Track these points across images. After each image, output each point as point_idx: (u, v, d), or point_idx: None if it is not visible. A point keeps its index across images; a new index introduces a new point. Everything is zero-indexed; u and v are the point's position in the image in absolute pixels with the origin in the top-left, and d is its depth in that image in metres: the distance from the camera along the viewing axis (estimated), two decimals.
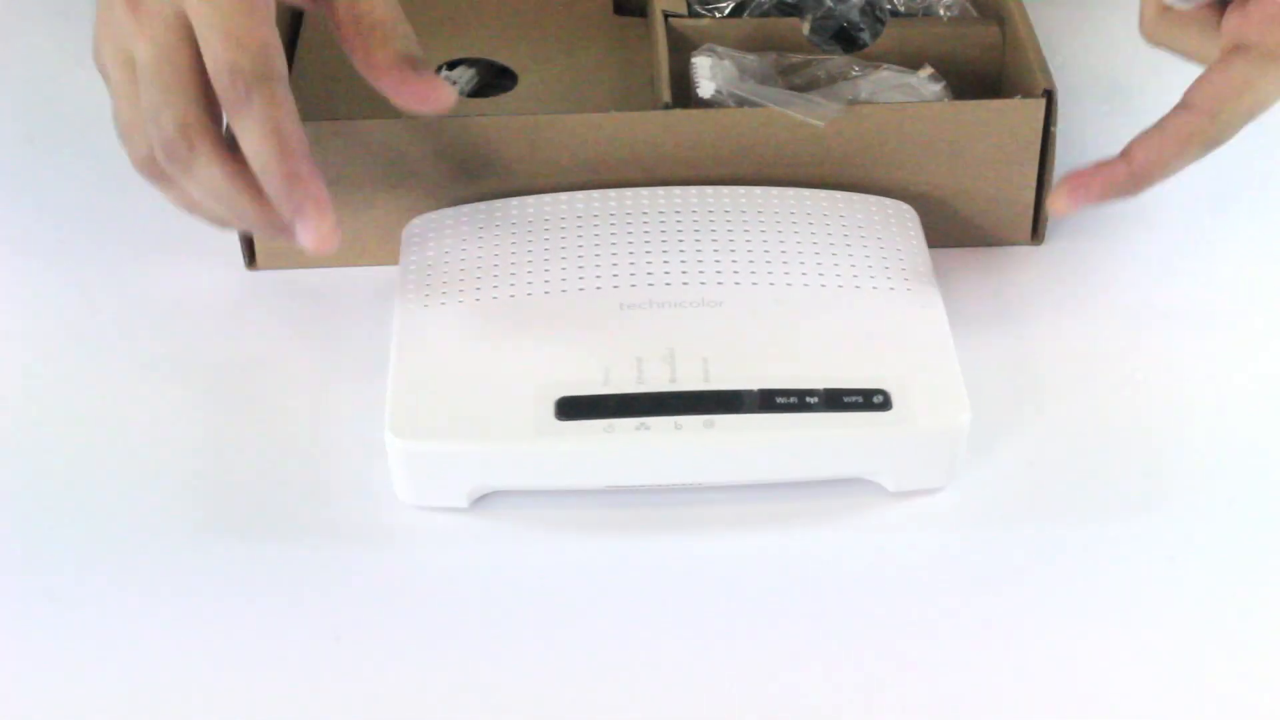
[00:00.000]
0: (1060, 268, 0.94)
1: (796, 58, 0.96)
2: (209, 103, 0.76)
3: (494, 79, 1.02)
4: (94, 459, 0.84)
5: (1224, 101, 0.80)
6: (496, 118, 0.91)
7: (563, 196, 0.90)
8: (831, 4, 1.00)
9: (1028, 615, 0.77)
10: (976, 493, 0.81)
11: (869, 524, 0.81)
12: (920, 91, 0.93)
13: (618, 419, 0.78)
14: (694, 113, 0.91)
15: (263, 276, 0.94)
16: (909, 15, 1.00)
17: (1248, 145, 1.02)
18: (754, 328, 0.82)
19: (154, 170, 0.78)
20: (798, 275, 0.85)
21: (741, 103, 0.91)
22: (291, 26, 1.03)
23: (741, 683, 0.74)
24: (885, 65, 0.95)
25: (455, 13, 1.04)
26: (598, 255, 0.86)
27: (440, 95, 0.78)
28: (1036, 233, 0.95)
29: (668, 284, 0.84)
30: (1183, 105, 0.81)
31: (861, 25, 1.00)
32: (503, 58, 1.01)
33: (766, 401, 0.79)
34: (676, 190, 0.90)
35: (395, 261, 0.88)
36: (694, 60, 0.94)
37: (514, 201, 0.90)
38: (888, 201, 0.90)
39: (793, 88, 0.94)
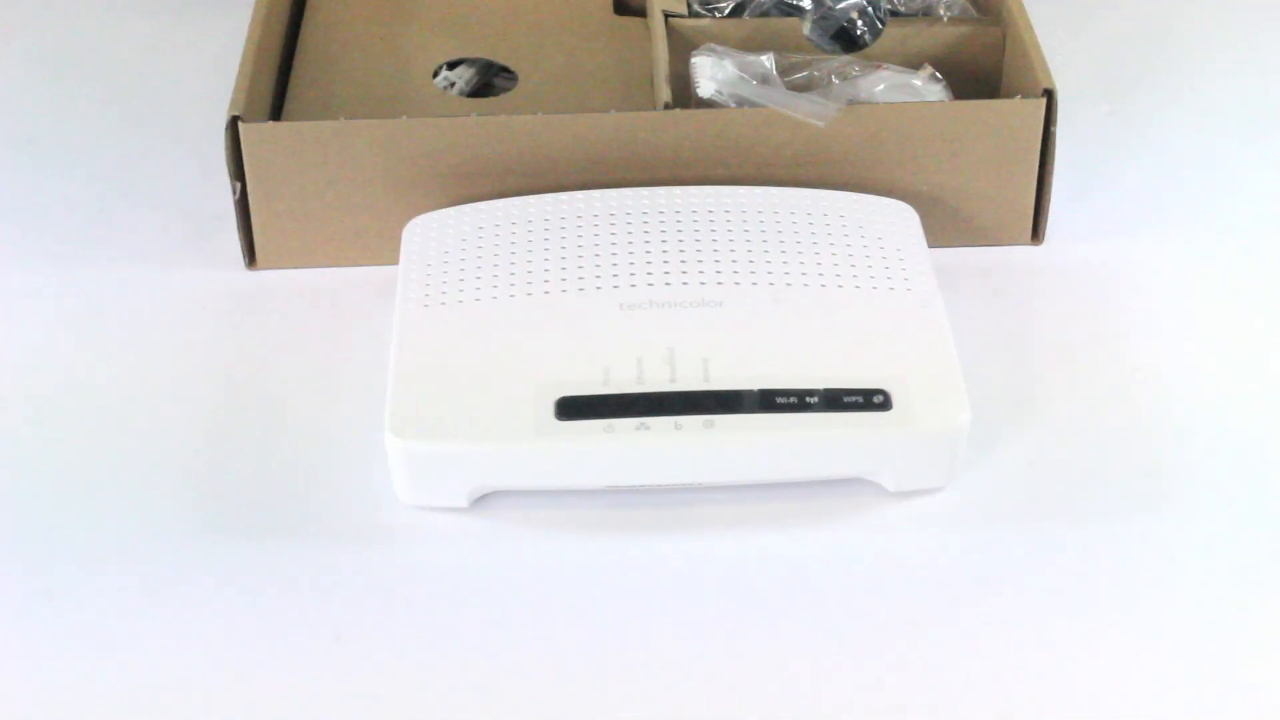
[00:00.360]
0: (1060, 268, 0.94)
1: (796, 58, 0.96)
2: None
3: (494, 79, 1.02)
4: (94, 459, 0.84)
5: None
6: (496, 118, 0.91)
7: (563, 196, 0.90)
8: (831, 4, 1.00)
9: (1028, 615, 0.77)
10: (976, 493, 0.81)
11: (869, 524, 0.81)
12: (920, 91, 0.93)
13: (618, 419, 0.78)
14: (694, 113, 0.91)
15: (263, 276, 0.94)
16: (909, 15, 1.00)
17: (1248, 146, 1.02)
18: (754, 328, 0.82)
19: None
20: (798, 275, 0.85)
21: (741, 103, 0.91)
22: (292, 26, 1.03)
23: (741, 682, 0.74)
24: (885, 65, 0.95)
25: (455, 13, 1.04)
26: (598, 255, 0.86)
27: None
28: (1036, 233, 0.95)
29: (668, 284, 0.84)
30: None
31: (861, 25, 1.00)
32: (503, 58, 1.01)
33: (766, 401, 0.79)
34: (676, 190, 0.90)
35: (395, 261, 0.88)
36: (694, 60, 0.94)
37: (514, 201, 0.90)
38: (888, 201, 0.90)
39: (793, 88, 0.94)
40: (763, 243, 0.86)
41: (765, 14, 1.01)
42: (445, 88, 1.00)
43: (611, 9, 1.04)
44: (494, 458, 0.79)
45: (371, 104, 0.97)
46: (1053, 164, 0.92)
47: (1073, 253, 0.95)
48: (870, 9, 1.00)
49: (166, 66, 1.09)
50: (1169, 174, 1.00)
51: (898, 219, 0.89)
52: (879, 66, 0.95)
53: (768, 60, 0.95)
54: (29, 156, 1.02)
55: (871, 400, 0.79)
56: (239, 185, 0.91)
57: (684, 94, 0.94)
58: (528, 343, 0.82)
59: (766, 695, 0.74)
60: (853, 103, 0.91)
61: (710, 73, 0.93)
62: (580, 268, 0.85)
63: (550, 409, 0.79)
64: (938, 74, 0.94)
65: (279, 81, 0.98)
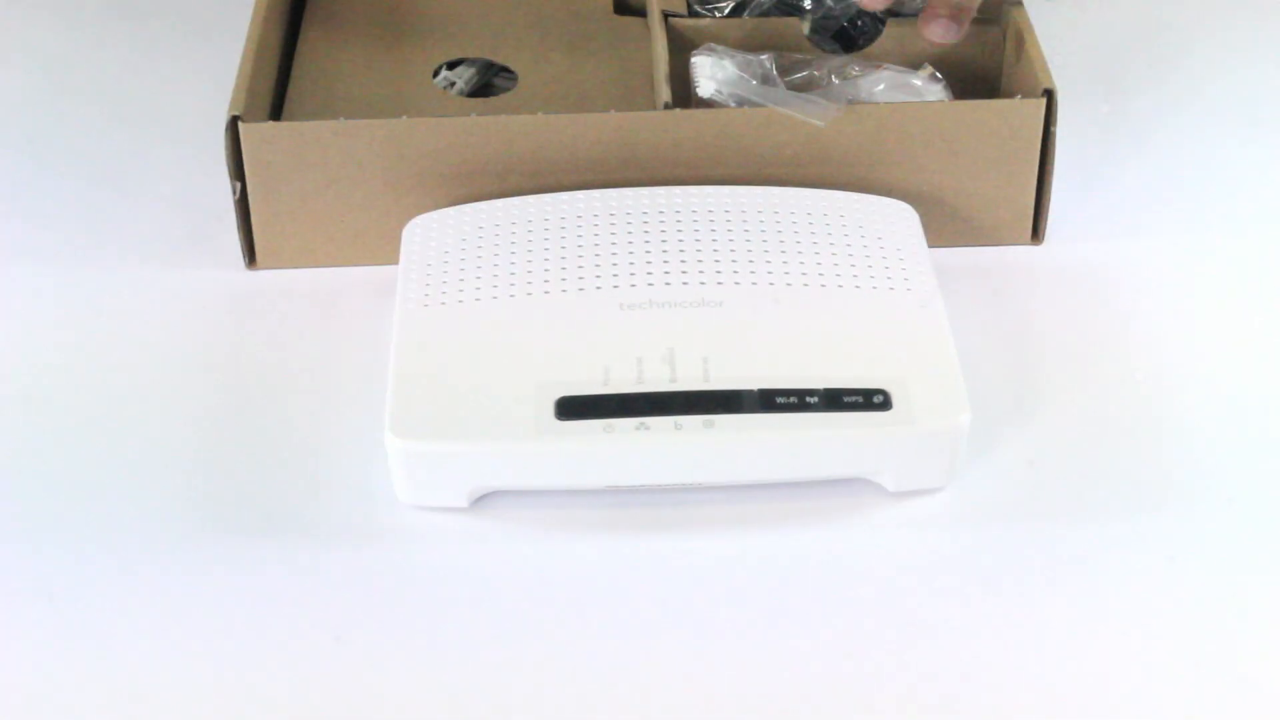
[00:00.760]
0: (1060, 268, 0.94)
1: (796, 57, 0.96)
2: None
3: (494, 79, 1.02)
4: (94, 459, 0.84)
5: None
6: (496, 118, 0.91)
7: (563, 196, 0.90)
8: (831, 4, 1.00)
9: (1028, 615, 0.77)
10: (976, 493, 0.81)
11: (869, 524, 0.81)
12: (920, 91, 0.93)
13: (618, 419, 0.78)
14: (694, 113, 0.91)
15: (263, 276, 0.94)
16: (909, 15, 1.00)
17: (1248, 146, 1.02)
18: (754, 328, 0.82)
19: None
20: (798, 275, 0.85)
21: (741, 102, 0.91)
22: (292, 27, 1.03)
23: (741, 682, 0.74)
24: (885, 65, 0.95)
25: (455, 13, 1.04)
26: (598, 255, 0.86)
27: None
28: (1036, 233, 0.95)
29: (668, 284, 0.84)
30: None
31: (861, 25, 1.00)
32: (503, 58, 1.01)
33: (766, 401, 0.79)
34: (676, 190, 0.90)
35: (395, 261, 0.88)
36: (694, 59, 0.94)
37: (514, 201, 0.90)
38: (888, 201, 0.90)
39: (793, 88, 0.94)
40: (763, 243, 0.86)
41: (765, 14, 1.01)
42: (445, 88, 1.00)
43: (611, 9, 1.04)
44: (494, 458, 0.79)
45: (371, 104, 0.97)
46: (1053, 164, 0.92)
47: (1073, 253, 0.95)
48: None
49: (166, 66, 1.09)
50: (1169, 174, 1.00)
51: (898, 219, 0.89)
52: (879, 66, 0.95)
53: (768, 60, 0.95)
54: (29, 156, 1.02)
55: (871, 400, 0.79)
56: (239, 185, 0.91)
57: (684, 94, 0.94)
58: (528, 343, 0.82)
59: (766, 695, 0.74)
60: (852, 102, 0.91)
61: (710, 72, 0.93)
62: (580, 268, 0.85)
63: (550, 409, 0.79)
64: (938, 74, 0.94)
65: (279, 81, 0.98)
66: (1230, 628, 0.76)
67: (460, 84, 1.00)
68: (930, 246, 0.88)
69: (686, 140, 0.91)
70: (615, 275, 0.85)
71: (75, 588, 0.78)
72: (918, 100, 0.92)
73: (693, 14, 0.99)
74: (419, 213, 0.90)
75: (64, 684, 0.74)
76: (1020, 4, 0.96)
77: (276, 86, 0.97)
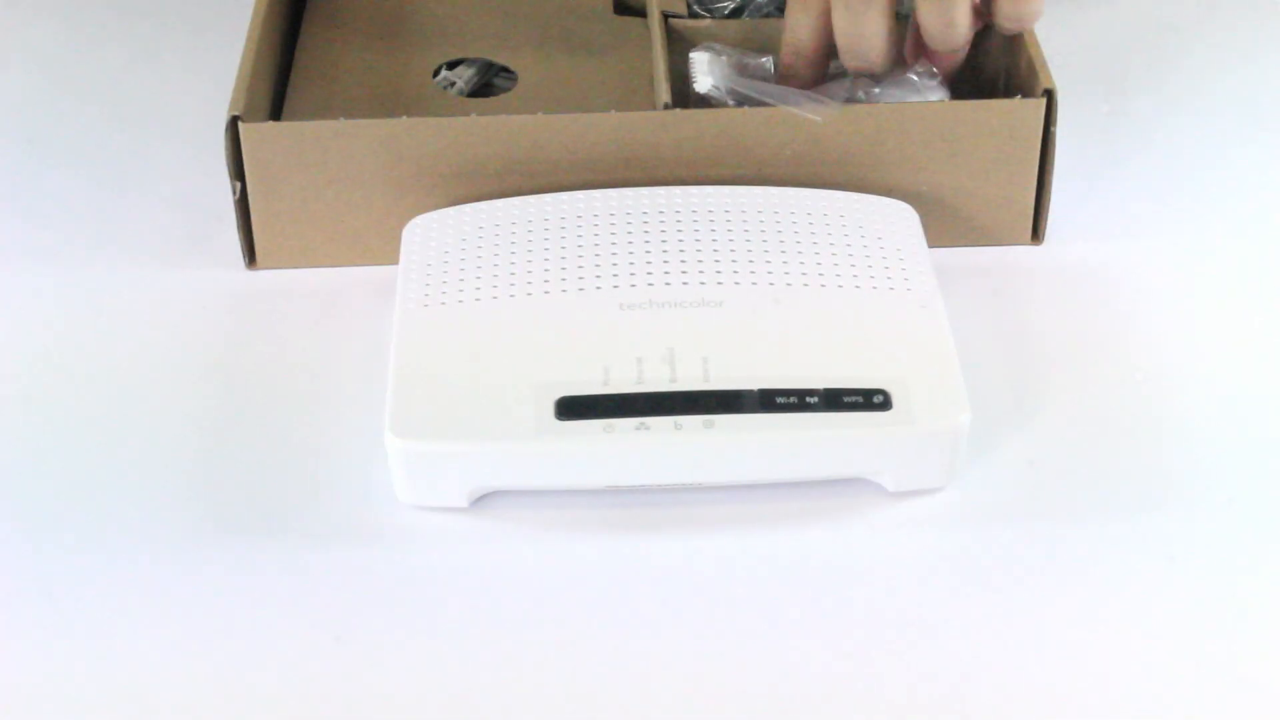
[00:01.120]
0: (1060, 268, 0.94)
1: None
2: None
3: (494, 79, 1.02)
4: (94, 459, 0.84)
5: None
6: (496, 118, 0.91)
7: (563, 196, 0.90)
8: None
9: (1028, 615, 0.77)
10: (976, 493, 0.81)
11: (869, 524, 0.81)
12: (918, 87, 0.93)
13: (617, 419, 0.78)
14: (694, 113, 0.91)
15: (263, 276, 0.94)
16: (909, 15, 1.00)
17: (1248, 146, 1.02)
18: (754, 328, 0.82)
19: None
20: (798, 275, 0.85)
21: (740, 100, 0.91)
22: (292, 26, 1.03)
23: (741, 682, 0.74)
24: None
25: (455, 13, 1.04)
26: (598, 255, 0.86)
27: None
28: (1036, 233, 0.95)
29: (668, 284, 0.84)
30: None
31: None
32: (503, 58, 1.01)
33: (766, 401, 0.79)
34: (676, 190, 0.90)
35: (395, 261, 0.88)
36: (692, 55, 0.94)
37: (514, 201, 0.90)
38: (888, 201, 0.90)
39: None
40: (763, 243, 0.86)
41: (765, 15, 1.01)
42: (445, 88, 1.00)
43: (611, 9, 1.04)
44: (494, 458, 0.79)
45: (371, 104, 0.97)
46: (1053, 164, 0.92)
47: (1073, 253, 0.95)
48: None
49: (167, 66, 1.09)
50: (1169, 174, 1.00)
51: (898, 219, 0.89)
52: None
53: (767, 61, 0.95)
54: (29, 156, 1.02)
55: (871, 400, 0.79)
56: (239, 185, 0.91)
57: (684, 94, 0.94)
58: (528, 343, 0.82)
59: (766, 695, 0.74)
60: (849, 101, 0.91)
61: (708, 69, 0.93)
62: (580, 268, 0.85)
63: (550, 409, 0.79)
64: (935, 69, 0.94)
65: (279, 81, 0.98)
66: (1230, 628, 0.76)
67: (460, 84, 1.00)
68: (930, 246, 0.88)
69: (686, 140, 0.91)
70: (615, 275, 0.85)
71: (75, 588, 0.78)
72: (916, 97, 0.92)
73: (693, 14, 1.00)
74: (419, 213, 0.90)
75: (64, 684, 0.74)
76: None
77: (276, 86, 0.97)
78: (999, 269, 0.94)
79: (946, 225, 0.93)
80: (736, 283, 0.84)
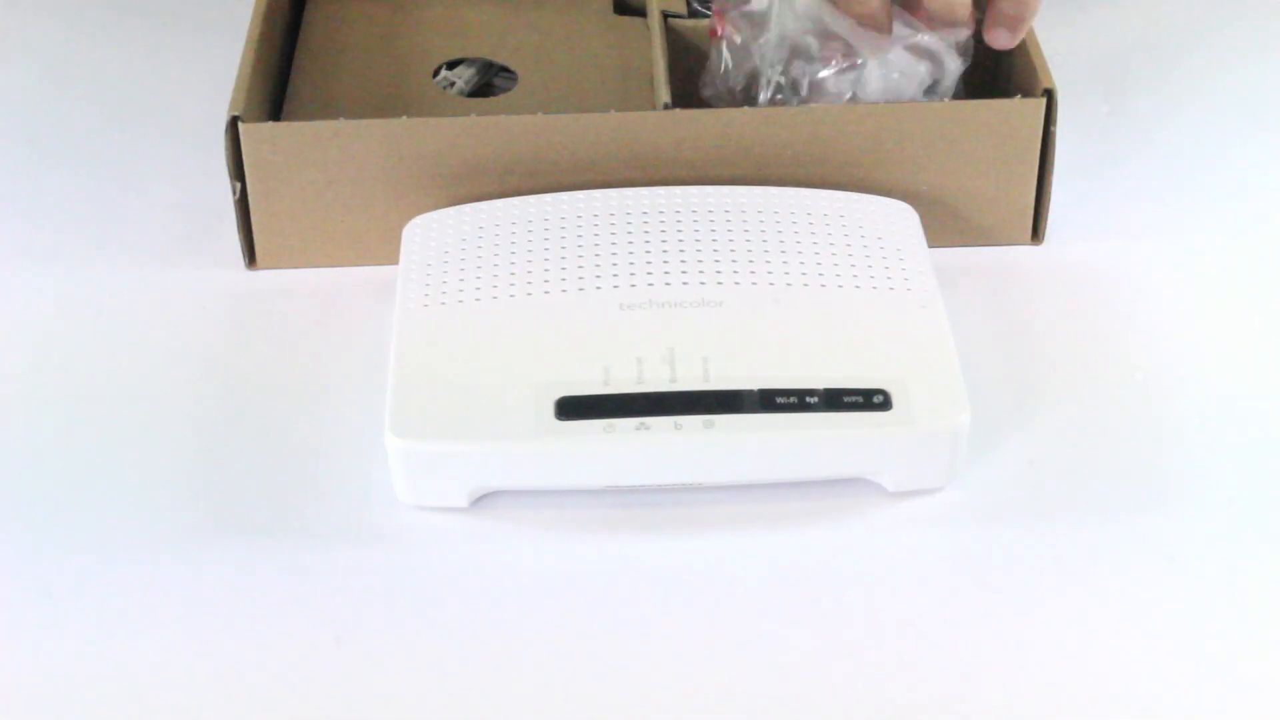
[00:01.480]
0: (1060, 268, 0.94)
1: None
2: None
3: (494, 79, 1.02)
4: (93, 458, 0.84)
5: None
6: (496, 118, 0.91)
7: (563, 196, 0.90)
8: None
9: (1028, 615, 0.77)
10: (976, 493, 0.81)
11: (869, 524, 0.81)
12: (940, 55, 0.92)
13: (618, 419, 0.78)
14: (694, 113, 0.91)
15: (263, 276, 0.94)
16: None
17: (1248, 146, 1.02)
18: (754, 328, 0.82)
19: None
20: (798, 275, 0.85)
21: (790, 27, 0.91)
22: (292, 26, 1.03)
23: (741, 682, 0.74)
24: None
25: (455, 13, 1.04)
26: (598, 255, 0.86)
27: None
28: (1036, 233, 0.95)
29: (668, 284, 0.84)
30: None
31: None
32: (503, 58, 1.01)
33: (766, 401, 0.79)
34: (676, 190, 0.90)
35: (395, 261, 0.88)
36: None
37: (514, 201, 0.90)
38: (888, 201, 0.90)
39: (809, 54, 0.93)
40: (763, 243, 0.86)
41: None
42: (445, 88, 1.00)
43: (611, 9, 1.04)
44: (494, 458, 0.79)
45: (371, 104, 0.97)
46: (1053, 164, 0.92)
47: (1073, 253, 0.95)
48: None
49: (167, 66, 1.09)
50: (1169, 174, 1.00)
51: (898, 219, 0.89)
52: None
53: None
54: (29, 156, 1.02)
55: (871, 400, 0.79)
56: (239, 185, 0.91)
57: (684, 94, 0.94)
58: (528, 343, 0.82)
59: (766, 695, 0.74)
60: (853, 99, 0.91)
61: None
62: (580, 268, 0.85)
63: (550, 409, 0.79)
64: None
65: (279, 81, 0.98)
66: (1230, 628, 0.76)
67: (460, 84, 1.00)
68: (930, 246, 0.88)
69: (686, 140, 0.91)
70: (615, 275, 0.85)
71: (75, 588, 0.78)
72: (931, 63, 0.92)
73: (693, 14, 1.00)
74: (419, 213, 0.90)
75: (64, 684, 0.74)
76: None
77: (276, 86, 0.97)
78: (999, 269, 0.94)
79: (946, 225, 0.93)
80: (736, 283, 0.84)
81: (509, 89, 0.99)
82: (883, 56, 0.91)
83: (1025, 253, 0.95)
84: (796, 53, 0.92)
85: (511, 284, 0.85)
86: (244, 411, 0.86)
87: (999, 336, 0.89)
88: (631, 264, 0.85)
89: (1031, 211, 0.94)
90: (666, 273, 0.85)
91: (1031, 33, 0.94)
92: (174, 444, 0.84)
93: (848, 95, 0.91)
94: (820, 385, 0.79)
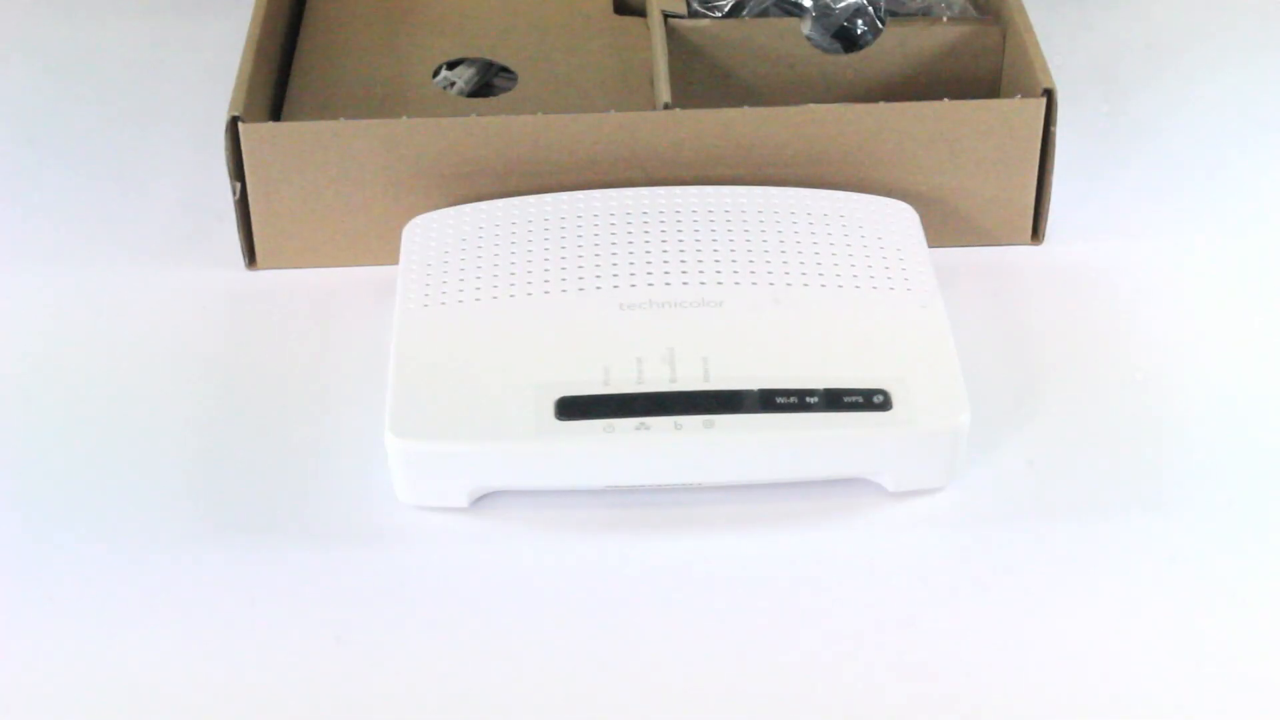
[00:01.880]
0: (1060, 268, 0.94)
1: None
2: None
3: (494, 79, 1.02)
4: (94, 458, 0.84)
5: None
6: (496, 118, 0.91)
7: (562, 196, 0.90)
8: (831, 4, 1.00)
9: (1028, 615, 0.77)
10: (977, 492, 0.81)
11: (869, 524, 0.81)
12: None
13: (618, 419, 0.78)
14: (694, 113, 0.91)
15: (263, 276, 0.94)
16: (909, 15, 1.00)
17: (1248, 147, 1.02)
18: (754, 328, 0.82)
19: None
20: (798, 275, 0.85)
21: None
22: (292, 26, 1.03)
23: (741, 682, 0.74)
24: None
25: (455, 13, 1.04)
26: (598, 255, 0.86)
27: None
28: (1036, 233, 0.95)
29: (668, 284, 0.84)
30: None
31: (862, 25, 1.00)
32: (503, 57, 1.01)
33: (766, 401, 0.79)
34: (676, 190, 0.90)
35: (395, 261, 0.88)
36: None
37: (514, 201, 0.90)
38: (888, 201, 0.90)
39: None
40: (763, 243, 0.86)
41: (764, 14, 1.01)
42: (445, 88, 1.00)
43: (611, 9, 1.04)
44: (494, 458, 0.79)
45: (371, 104, 0.97)
46: (1052, 164, 0.92)
47: (1073, 253, 0.95)
48: (870, 9, 1.00)
49: (166, 66, 1.09)
50: (1169, 174, 1.00)
51: (898, 219, 0.89)
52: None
53: None
54: (29, 156, 1.02)
55: (871, 400, 0.79)
56: (239, 185, 0.91)
57: (684, 94, 0.94)
58: (528, 343, 0.82)
59: (766, 695, 0.74)
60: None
61: None
62: (580, 268, 0.85)
63: (550, 409, 0.79)
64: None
65: (279, 81, 0.98)
66: (1230, 628, 0.76)
67: (460, 84, 1.00)
68: (930, 246, 0.88)
69: (686, 140, 0.91)
70: (615, 275, 0.85)
71: (75, 587, 0.78)
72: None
73: (692, 14, 1.00)
74: (419, 213, 0.90)
75: (64, 684, 0.74)
76: (1020, 4, 0.96)
77: (276, 86, 0.97)
78: (999, 269, 0.94)
79: (946, 225, 0.93)
80: (736, 283, 0.84)
81: (509, 89, 0.99)
82: None
83: (1025, 253, 0.95)
84: None
85: (511, 284, 0.85)
86: (244, 411, 0.86)
87: (999, 336, 0.89)
88: (631, 264, 0.85)
89: (1031, 211, 0.94)
90: (666, 273, 0.85)
91: (1031, 33, 0.94)
92: (174, 444, 0.84)
93: None
94: (820, 385, 0.79)
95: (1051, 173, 0.93)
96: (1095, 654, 0.75)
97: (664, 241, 0.86)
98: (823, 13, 1.00)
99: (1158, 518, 0.80)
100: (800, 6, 1.00)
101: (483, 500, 0.81)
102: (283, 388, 0.87)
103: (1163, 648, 0.75)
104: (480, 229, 0.88)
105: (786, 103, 0.91)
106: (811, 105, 0.91)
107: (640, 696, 0.74)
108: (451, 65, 1.01)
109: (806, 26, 0.99)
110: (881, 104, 0.91)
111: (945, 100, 0.93)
